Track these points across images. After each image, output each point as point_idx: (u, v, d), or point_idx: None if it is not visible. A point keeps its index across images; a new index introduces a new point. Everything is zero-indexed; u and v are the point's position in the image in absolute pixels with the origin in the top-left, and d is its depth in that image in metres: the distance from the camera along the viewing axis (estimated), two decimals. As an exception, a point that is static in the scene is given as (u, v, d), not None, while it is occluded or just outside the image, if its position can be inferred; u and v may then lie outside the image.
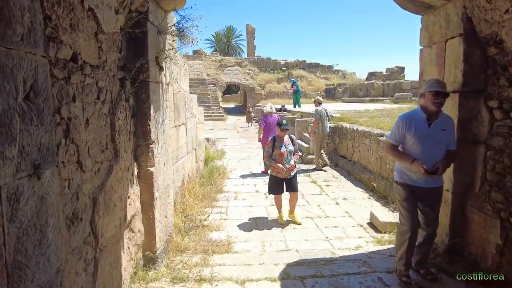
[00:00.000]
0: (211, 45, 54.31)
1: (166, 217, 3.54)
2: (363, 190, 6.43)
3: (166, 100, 3.57)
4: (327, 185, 6.81)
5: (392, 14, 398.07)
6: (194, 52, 38.30)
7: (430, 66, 3.59)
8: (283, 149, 4.71)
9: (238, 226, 4.69)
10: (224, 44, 54.92)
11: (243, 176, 7.65)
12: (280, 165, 4.62)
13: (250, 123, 20.49)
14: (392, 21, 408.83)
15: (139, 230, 3.00)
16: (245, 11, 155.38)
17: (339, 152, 8.78)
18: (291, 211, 4.93)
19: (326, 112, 8.26)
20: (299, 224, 4.75)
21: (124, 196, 2.61)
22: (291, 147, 4.79)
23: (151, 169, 3.03)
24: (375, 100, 21.34)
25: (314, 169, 8.21)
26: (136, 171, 2.97)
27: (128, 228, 2.74)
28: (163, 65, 3.37)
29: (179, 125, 4.79)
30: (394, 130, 2.92)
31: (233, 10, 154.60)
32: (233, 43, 55.84)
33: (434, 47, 3.53)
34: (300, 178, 7.25)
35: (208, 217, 4.84)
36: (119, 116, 2.50)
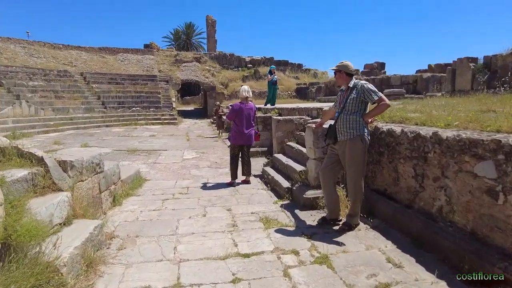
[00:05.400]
0: (169, 43, 49.36)
1: None
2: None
3: None
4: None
5: (364, 15, 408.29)
6: (146, 46, 32.91)
7: None
8: None
9: None
10: (184, 42, 50.01)
11: (149, 264, 2.86)
12: None
13: (221, 130, 13.91)
14: (365, 19, 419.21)
15: None
16: (206, 5, 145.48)
17: (374, 183, 4.24)
18: None
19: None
20: None
21: None
22: None
23: None
24: (360, 99, 17.46)
25: (340, 229, 3.64)
26: None
27: None
28: None
29: None
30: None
31: (193, 4, 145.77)
32: (193, 41, 51.33)
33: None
34: (306, 270, 2.74)
35: None
36: None
